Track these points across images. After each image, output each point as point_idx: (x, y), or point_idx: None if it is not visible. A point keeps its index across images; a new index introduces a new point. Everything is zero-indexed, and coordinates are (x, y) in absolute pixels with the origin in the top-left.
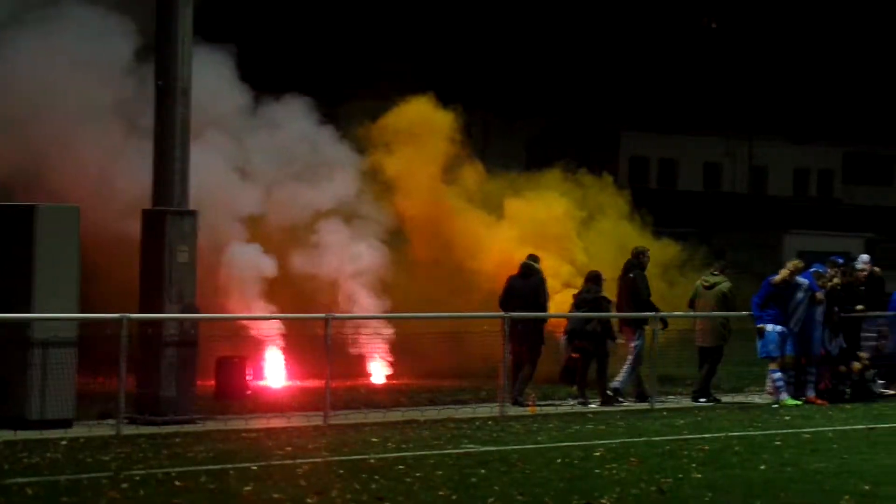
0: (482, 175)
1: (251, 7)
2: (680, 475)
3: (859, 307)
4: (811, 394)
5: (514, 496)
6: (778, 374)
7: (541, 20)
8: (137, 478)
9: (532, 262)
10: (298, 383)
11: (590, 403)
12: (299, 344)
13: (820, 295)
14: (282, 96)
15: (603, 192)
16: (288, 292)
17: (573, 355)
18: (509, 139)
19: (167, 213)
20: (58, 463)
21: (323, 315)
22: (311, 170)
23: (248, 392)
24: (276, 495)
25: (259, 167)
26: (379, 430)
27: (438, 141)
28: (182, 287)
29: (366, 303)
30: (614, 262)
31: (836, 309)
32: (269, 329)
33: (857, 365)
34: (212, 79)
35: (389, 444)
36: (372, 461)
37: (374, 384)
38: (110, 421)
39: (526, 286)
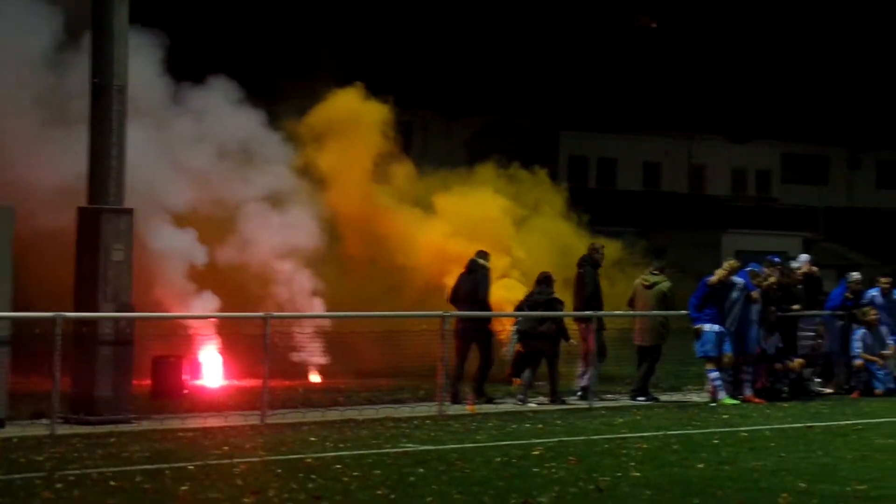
0: (412, 171)
1: None
2: (618, 474)
3: (795, 307)
4: (749, 393)
5: (452, 495)
6: (715, 374)
7: (480, 19)
8: (72, 478)
9: (478, 259)
10: (235, 382)
11: (529, 402)
12: (236, 343)
13: (755, 294)
14: (209, 83)
15: (537, 187)
16: (224, 286)
17: (519, 349)
18: (449, 138)
19: (102, 212)
20: None
21: (261, 314)
22: (241, 159)
23: (185, 391)
24: (212, 495)
25: (187, 157)
26: (317, 429)
27: (369, 135)
28: (117, 286)
29: (302, 283)
30: (550, 259)
31: (773, 308)
32: (206, 328)
33: (796, 362)
34: (137, 66)
35: (327, 443)
36: (309, 460)
37: (311, 383)
38: (44, 421)
39: (469, 282)
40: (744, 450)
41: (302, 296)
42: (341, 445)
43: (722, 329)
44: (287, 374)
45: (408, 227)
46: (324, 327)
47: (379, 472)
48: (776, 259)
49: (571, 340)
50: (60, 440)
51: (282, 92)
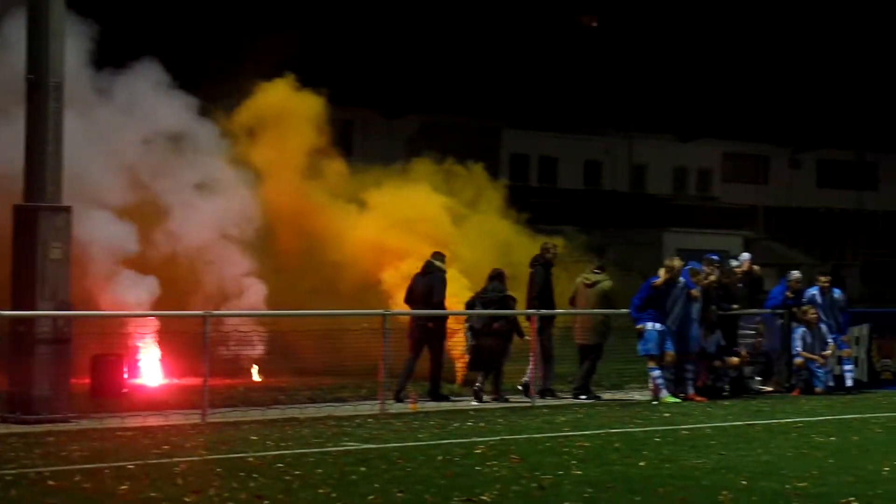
0: (343, 168)
1: None
2: (560, 472)
3: (735, 306)
4: (690, 391)
5: (394, 494)
6: (657, 373)
7: (420, 17)
8: (9, 478)
9: (434, 260)
10: (176, 381)
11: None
12: (176, 341)
13: (696, 292)
14: (137, 70)
15: (472, 182)
16: (161, 275)
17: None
18: (389, 137)
19: (40, 210)
20: None
21: (201, 312)
22: (171, 149)
23: (125, 390)
24: (152, 494)
25: (115, 147)
26: (258, 428)
27: (302, 128)
28: (55, 284)
29: (238, 261)
30: (489, 257)
31: (714, 307)
32: (146, 327)
33: (734, 360)
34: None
35: (269, 442)
36: (251, 459)
37: (253, 382)
38: None
39: (424, 283)
40: (685, 448)
41: (237, 279)
42: (283, 444)
43: (664, 328)
44: (228, 373)
45: (341, 222)
46: (265, 325)
47: (321, 470)
48: (715, 257)
49: (526, 337)
50: None
51: (213, 84)
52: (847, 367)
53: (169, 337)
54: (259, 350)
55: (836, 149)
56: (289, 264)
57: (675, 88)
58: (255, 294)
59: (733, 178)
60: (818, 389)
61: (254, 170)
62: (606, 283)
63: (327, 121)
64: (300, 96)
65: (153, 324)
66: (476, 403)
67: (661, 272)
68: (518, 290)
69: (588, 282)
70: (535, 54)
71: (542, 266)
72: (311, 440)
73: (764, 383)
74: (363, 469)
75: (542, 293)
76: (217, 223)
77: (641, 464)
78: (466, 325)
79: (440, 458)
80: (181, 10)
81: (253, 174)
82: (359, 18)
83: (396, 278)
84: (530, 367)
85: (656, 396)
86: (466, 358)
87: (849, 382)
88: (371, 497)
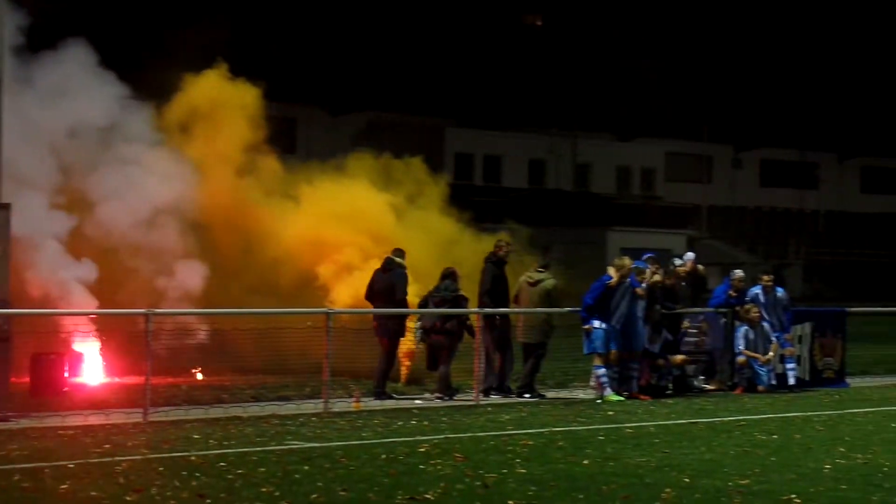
0: (277, 164)
1: None
2: (504, 470)
3: (679, 305)
4: (634, 389)
5: (337, 492)
6: (602, 371)
7: (365, 15)
8: None
9: (394, 257)
10: (118, 380)
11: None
12: (118, 339)
13: (641, 290)
14: (66, 53)
15: (410, 176)
16: (98, 261)
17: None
18: (334, 135)
19: None
20: None
21: (143, 311)
22: (100, 136)
23: (66, 389)
24: (93, 493)
25: (43, 133)
26: (201, 426)
27: (236, 121)
28: None
29: (174, 240)
30: (430, 253)
31: (658, 306)
32: (87, 325)
33: (678, 357)
34: None
35: (211, 440)
36: (193, 458)
37: (196, 380)
38: None
39: (385, 280)
40: (629, 446)
41: (175, 261)
42: (226, 443)
43: (609, 326)
44: (171, 371)
45: (277, 219)
46: (207, 323)
47: (264, 469)
48: (650, 255)
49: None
50: None
51: (144, 78)
52: (789, 366)
53: (111, 335)
54: (202, 342)
55: (779, 148)
56: (225, 263)
57: (617, 87)
58: (193, 275)
59: (677, 177)
60: (761, 388)
61: (188, 166)
62: (549, 282)
63: (269, 118)
64: (234, 87)
65: (94, 320)
66: (420, 402)
67: (612, 271)
68: (468, 289)
69: (531, 280)
70: (480, 53)
71: (494, 263)
72: (254, 439)
73: (707, 382)
74: (306, 468)
75: (491, 290)
76: (151, 207)
77: (585, 462)
78: (417, 324)
79: (384, 456)
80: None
81: (187, 168)
82: (305, 16)
83: (332, 272)
84: (483, 365)
85: (600, 394)
86: (412, 358)
87: (791, 381)
88: (314, 496)
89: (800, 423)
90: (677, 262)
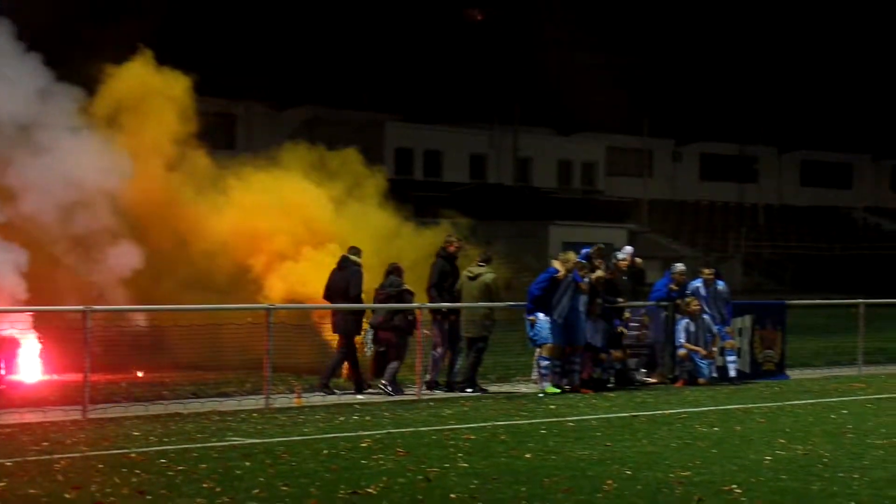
0: (206, 158)
1: None
2: (446, 464)
3: (620, 299)
4: (576, 383)
5: (279, 488)
6: (546, 363)
7: (306, 9)
8: None
9: (349, 255)
10: (56, 377)
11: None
12: (56, 336)
13: (584, 284)
14: None
15: (346, 169)
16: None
17: (380, 349)
18: (275, 130)
19: None
20: None
21: (81, 307)
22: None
23: (2, 386)
24: (31, 491)
25: None
26: (141, 423)
27: (166, 112)
28: None
29: (104, 218)
30: (370, 247)
31: (599, 300)
32: (23, 321)
33: (617, 353)
34: None
35: (151, 437)
36: (133, 455)
37: (135, 377)
38: None
39: (341, 278)
40: (570, 439)
41: (108, 244)
42: (166, 440)
43: (552, 320)
44: (110, 368)
45: (209, 211)
46: (142, 322)
47: (205, 465)
48: (586, 250)
49: (425, 331)
50: None
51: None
52: (730, 358)
53: (49, 331)
54: (140, 337)
55: (719, 142)
56: (157, 258)
57: (558, 82)
58: (128, 258)
59: (617, 171)
60: (702, 380)
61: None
62: (489, 276)
63: (207, 113)
64: (161, 77)
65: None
66: (361, 397)
67: (558, 265)
68: (411, 283)
69: (471, 275)
70: (420, 47)
71: (444, 258)
72: (194, 435)
73: (648, 375)
74: (247, 464)
75: (437, 284)
76: (77, 193)
77: (527, 455)
78: (369, 330)
79: (326, 451)
80: None
81: (114, 154)
82: (245, 11)
83: (264, 262)
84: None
85: (540, 386)
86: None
87: (732, 373)
88: (256, 491)
89: (740, 415)
90: (619, 255)
